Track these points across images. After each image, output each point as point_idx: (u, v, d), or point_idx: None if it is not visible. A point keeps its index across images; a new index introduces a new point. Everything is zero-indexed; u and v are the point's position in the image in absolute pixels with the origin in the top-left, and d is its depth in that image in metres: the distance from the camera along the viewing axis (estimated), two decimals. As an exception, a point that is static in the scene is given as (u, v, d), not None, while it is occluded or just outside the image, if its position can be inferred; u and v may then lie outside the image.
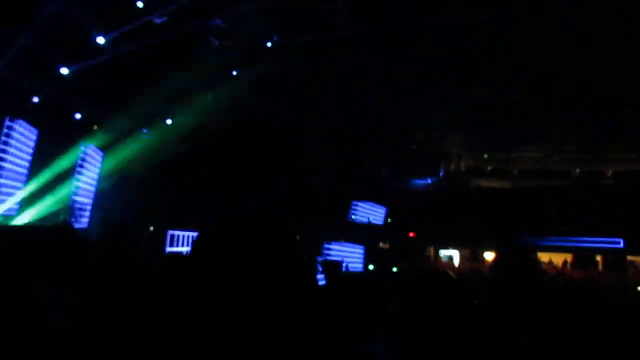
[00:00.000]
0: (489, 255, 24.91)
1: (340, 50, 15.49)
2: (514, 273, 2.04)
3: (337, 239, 20.96)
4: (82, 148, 11.92)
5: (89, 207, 12.52)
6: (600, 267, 21.00)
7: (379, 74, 17.86)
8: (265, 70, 15.80)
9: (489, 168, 29.05)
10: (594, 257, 21.33)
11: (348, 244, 20.09)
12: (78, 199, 11.76)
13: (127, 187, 15.50)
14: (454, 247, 25.37)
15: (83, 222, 12.00)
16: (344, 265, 14.38)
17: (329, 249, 17.75)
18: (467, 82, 19.20)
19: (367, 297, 3.32)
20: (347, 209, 25.98)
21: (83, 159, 11.95)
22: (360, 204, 25.78)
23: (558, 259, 21.53)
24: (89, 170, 12.42)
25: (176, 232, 12.23)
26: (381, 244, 24.41)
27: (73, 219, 11.07)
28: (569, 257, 21.94)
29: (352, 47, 15.35)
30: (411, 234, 24.43)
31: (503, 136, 24.25)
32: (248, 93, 16.72)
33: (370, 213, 25.93)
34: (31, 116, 10.83)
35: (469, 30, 14.87)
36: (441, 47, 16.13)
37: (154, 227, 14.25)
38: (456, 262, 24.86)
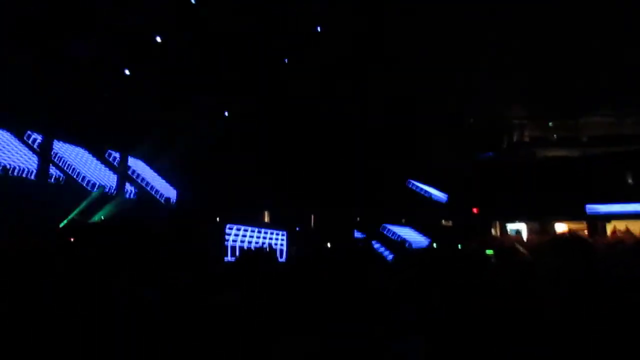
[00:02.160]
0: (560, 227, 23.91)
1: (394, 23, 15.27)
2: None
3: (398, 221, 20.95)
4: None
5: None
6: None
7: (432, 44, 17.42)
8: (314, 59, 15.90)
9: (555, 136, 27.63)
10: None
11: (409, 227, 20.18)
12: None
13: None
14: (521, 221, 24.55)
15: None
16: (407, 243, 14.50)
17: (391, 231, 17.94)
18: (527, 46, 18.33)
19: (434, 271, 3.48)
20: (406, 190, 25.77)
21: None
22: (419, 183, 25.51)
23: (635, 226, 20.28)
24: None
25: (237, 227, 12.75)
26: (443, 221, 24.07)
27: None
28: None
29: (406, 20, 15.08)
30: (475, 210, 23.90)
31: (569, 101, 22.98)
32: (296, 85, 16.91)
33: (430, 191, 25.64)
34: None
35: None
36: (501, 12, 15.53)
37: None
38: (524, 236, 24.06)
